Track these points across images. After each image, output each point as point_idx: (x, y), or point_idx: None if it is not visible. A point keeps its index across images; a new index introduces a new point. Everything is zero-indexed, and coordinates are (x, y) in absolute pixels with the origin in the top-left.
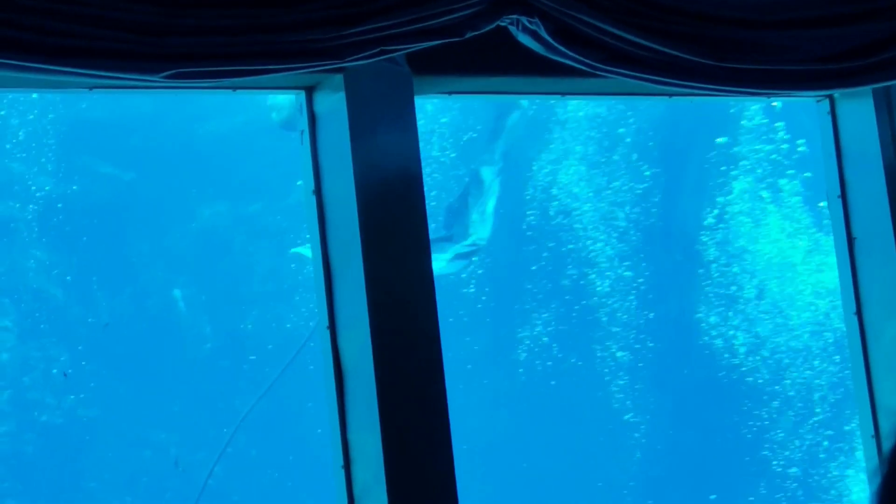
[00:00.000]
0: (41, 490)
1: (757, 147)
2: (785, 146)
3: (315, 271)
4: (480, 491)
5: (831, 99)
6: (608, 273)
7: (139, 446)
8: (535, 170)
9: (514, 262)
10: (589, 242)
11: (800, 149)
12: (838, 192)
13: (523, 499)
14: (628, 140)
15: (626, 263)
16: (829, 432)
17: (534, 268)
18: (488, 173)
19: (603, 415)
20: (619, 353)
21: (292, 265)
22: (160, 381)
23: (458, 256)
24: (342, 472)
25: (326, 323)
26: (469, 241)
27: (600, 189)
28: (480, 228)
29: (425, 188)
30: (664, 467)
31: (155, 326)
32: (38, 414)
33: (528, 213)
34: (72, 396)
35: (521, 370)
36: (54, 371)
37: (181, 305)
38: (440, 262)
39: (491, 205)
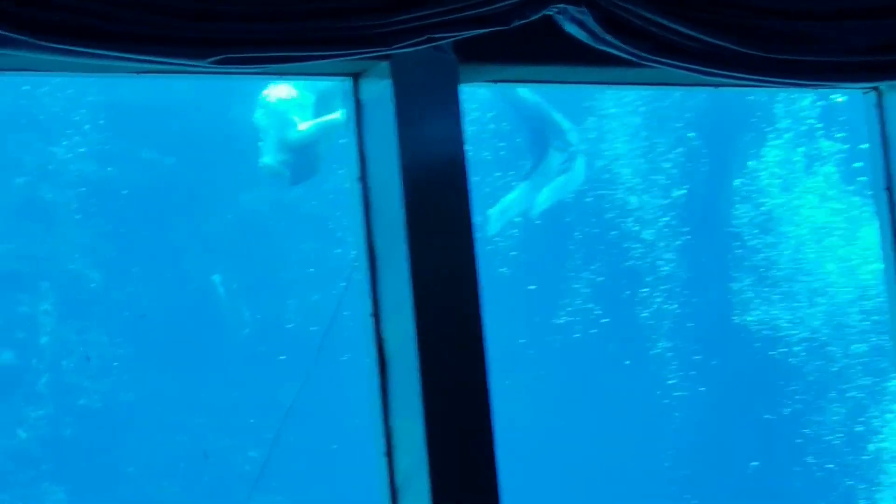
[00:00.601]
0: (79, 473)
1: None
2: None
3: (359, 259)
4: (521, 475)
5: (878, 91)
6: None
7: (176, 431)
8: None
9: (556, 231)
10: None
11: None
12: (885, 184)
13: (564, 476)
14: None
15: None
16: (872, 409)
17: (578, 235)
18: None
19: (644, 381)
20: (665, 306)
21: (338, 250)
22: (198, 367)
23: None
24: (384, 460)
25: (370, 310)
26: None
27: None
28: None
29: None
30: (704, 433)
31: (194, 311)
32: (77, 398)
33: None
34: (110, 380)
35: (558, 338)
36: (86, 356)
37: (220, 291)
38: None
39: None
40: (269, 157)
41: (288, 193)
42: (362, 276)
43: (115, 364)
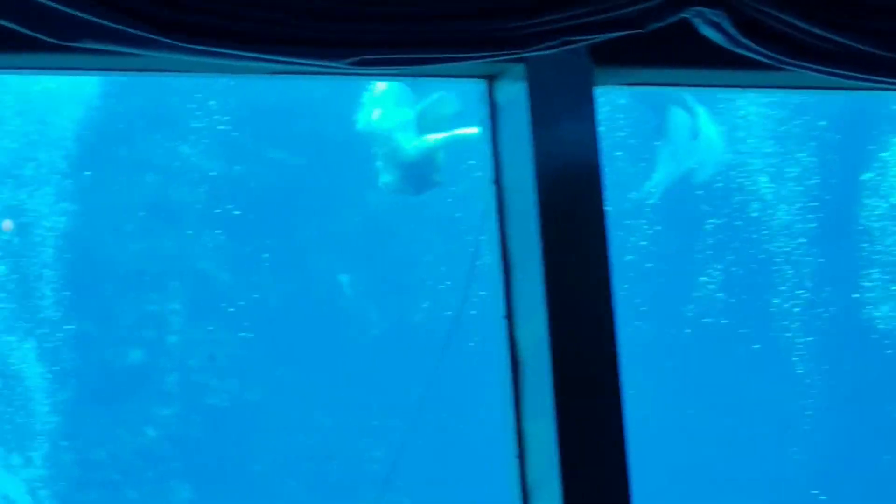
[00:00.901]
0: (206, 471)
1: None
2: None
3: (493, 261)
4: (652, 472)
5: None
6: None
7: (303, 431)
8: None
9: (688, 219)
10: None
11: None
12: None
13: (695, 471)
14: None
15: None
16: None
17: (709, 225)
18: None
19: (774, 372)
20: (795, 297)
21: (466, 251)
22: (324, 367)
23: None
24: (516, 462)
25: (504, 312)
26: None
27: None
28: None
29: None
30: (835, 425)
31: (320, 311)
32: (204, 396)
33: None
34: (237, 380)
35: (688, 330)
36: (211, 355)
37: (347, 291)
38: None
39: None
40: (386, 176)
41: (416, 194)
42: (495, 278)
43: (243, 363)
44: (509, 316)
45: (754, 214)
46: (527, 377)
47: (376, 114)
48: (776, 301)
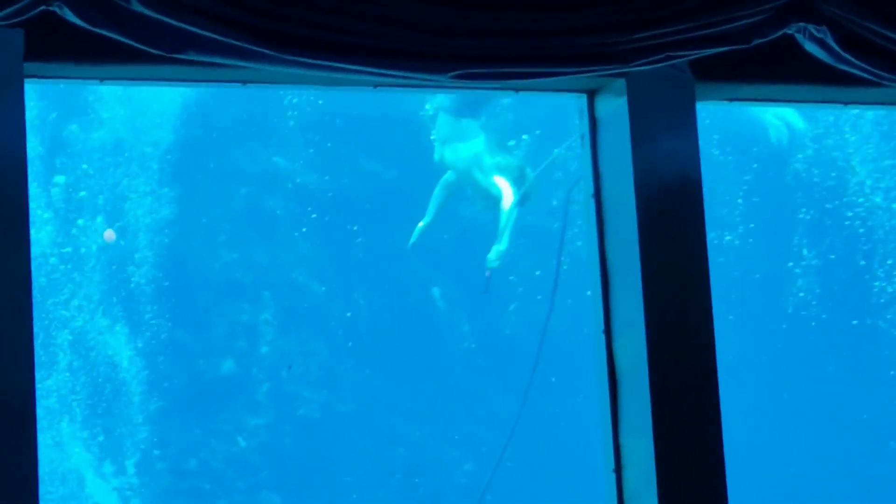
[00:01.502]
0: (296, 482)
1: None
2: None
3: (591, 275)
4: (750, 481)
5: None
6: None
7: (393, 443)
8: None
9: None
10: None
11: None
12: None
13: (795, 474)
14: None
15: None
16: None
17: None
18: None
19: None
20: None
21: (565, 265)
22: (416, 379)
23: None
24: (613, 476)
25: (602, 327)
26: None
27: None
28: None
29: None
30: None
31: (412, 324)
32: (296, 407)
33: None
34: (328, 391)
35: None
36: (288, 365)
37: (440, 304)
38: None
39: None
40: (478, 205)
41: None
42: (594, 292)
43: (334, 374)
44: (608, 330)
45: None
46: (624, 391)
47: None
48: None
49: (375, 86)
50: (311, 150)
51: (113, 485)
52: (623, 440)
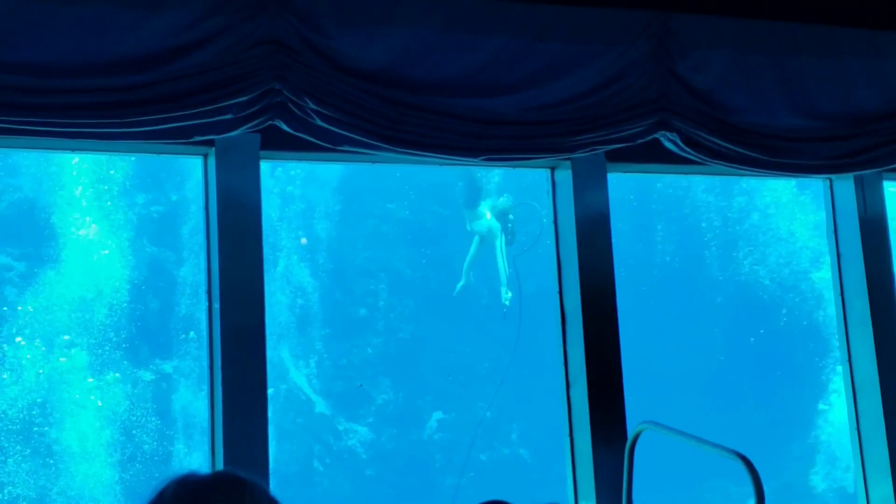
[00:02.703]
0: (403, 375)
1: None
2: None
3: (551, 268)
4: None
5: (830, 181)
6: None
7: (447, 353)
8: None
9: None
10: None
11: None
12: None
13: None
14: None
15: None
16: None
17: None
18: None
19: None
20: None
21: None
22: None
23: None
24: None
25: (557, 289)
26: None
27: None
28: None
29: None
30: None
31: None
32: (399, 329)
33: None
34: (415, 325)
35: None
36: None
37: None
38: None
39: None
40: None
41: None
42: (555, 276)
43: (418, 317)
44: (560, 291)
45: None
46: (569, 326)
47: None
48: None
49: (441, 164)
50: (406, 199)
51: (304, 373)
52: (569, 349)
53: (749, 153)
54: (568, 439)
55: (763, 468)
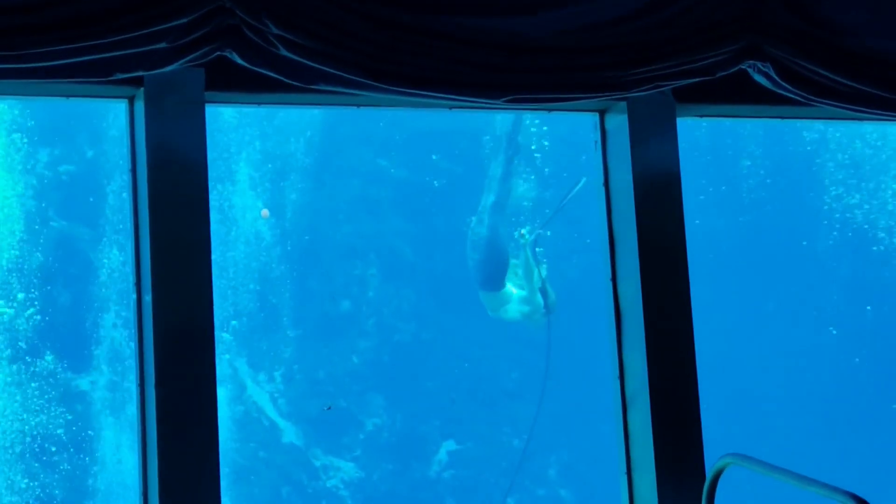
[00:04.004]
0: (393, 388)
1: None
2: None
3: (601, 240)
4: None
5: None
6: None
7: (460, 360)
8: None
9: None
10: None
11: None
12: None
13: None
14: None
15: None
16: None
17: None
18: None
19: None
20: None
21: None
22: (478, 315)
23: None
24: (617, 383)
25: (610, 276)
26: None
27: None
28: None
29: None
30: None
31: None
32: (392, 334)
33: None
34: (415, 323)
35: None
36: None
37: None
38: None
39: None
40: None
41: None
42: (603, 253)
43: (420, 312)
44: (613, 278)
45: None
46: (626, 321)
47: None
48: None
49: (451, 107)
50: (402, 153)
51: (266, 390)
52: (625, 356)
53: (869, 89)
54: (625, 477)
55: None
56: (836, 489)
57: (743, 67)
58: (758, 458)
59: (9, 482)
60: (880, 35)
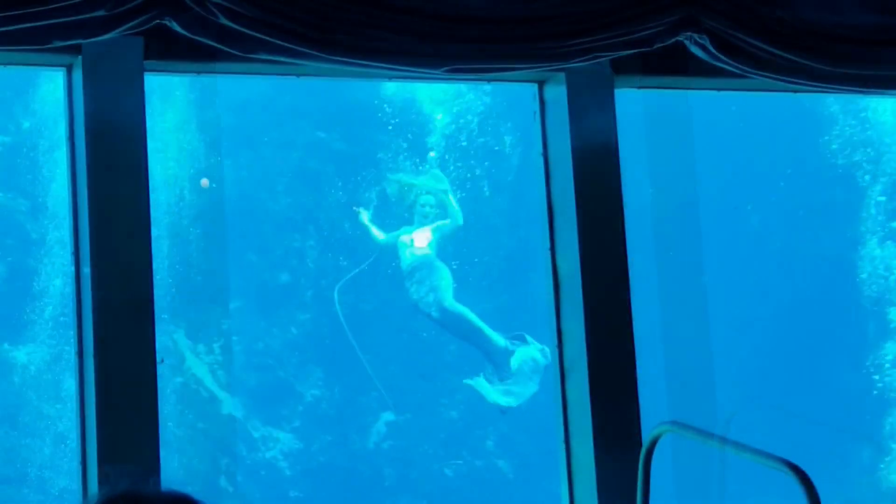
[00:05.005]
0: (332, 360)
1: None
2: None
3: (541, 209)
4: None
5: None
6: None
7: (399, 331)
8: None
9: None
10: None
11: None
12: None
13: None
14: None
15: None
16: None
17: None
18: None
19: None
20: None
21: None
22: None
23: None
24: (556, 351)
25: (549, 245)
26: None
27: None
28: None
29: None
30: None
31: None
32: (331, 306)
33: None
34: (353, 295)
35: None
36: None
37: None
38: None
39: None
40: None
41: None
42: (542, 222)
43: (359, 285)
44: (552, 248)
45: None
46: (564, 290)
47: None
48: None
49: (390, 78)
50: (341, 126)
51: (205, 361)
52: (563, 326)
53: (806, 61)
54: (563, 446)
55: (821, 482)
56: (772, 456)
57: (680, 39)
58: (695, 426)
59: None
60: (816, 7)
